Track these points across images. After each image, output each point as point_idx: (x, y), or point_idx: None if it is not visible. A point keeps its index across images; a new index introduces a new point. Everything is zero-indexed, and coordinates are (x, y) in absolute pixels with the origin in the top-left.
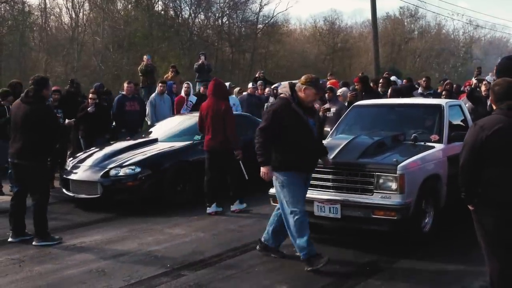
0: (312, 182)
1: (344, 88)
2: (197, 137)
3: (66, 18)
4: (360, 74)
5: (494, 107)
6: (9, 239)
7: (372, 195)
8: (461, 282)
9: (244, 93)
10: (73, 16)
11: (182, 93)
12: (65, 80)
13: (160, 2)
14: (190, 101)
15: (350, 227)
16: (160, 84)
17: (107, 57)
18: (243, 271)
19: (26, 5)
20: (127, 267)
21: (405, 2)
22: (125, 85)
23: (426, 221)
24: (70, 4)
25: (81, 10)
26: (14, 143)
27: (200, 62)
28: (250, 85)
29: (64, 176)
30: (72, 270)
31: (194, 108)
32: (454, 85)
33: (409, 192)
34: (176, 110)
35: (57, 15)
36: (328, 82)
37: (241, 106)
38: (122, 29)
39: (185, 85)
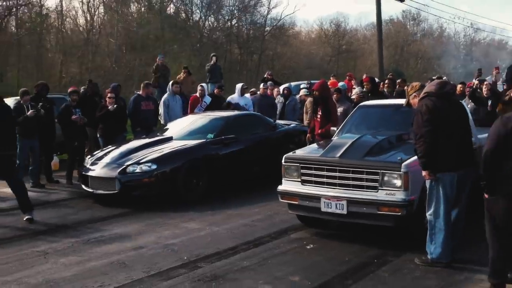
0: (319, 179)
1: (358, 88)
2: (210, 136)
3: (81, 20)
4: (365, 75)
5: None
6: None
7: (377, 192)
8: (464, 273)
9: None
10: (88, 18)
11: (197, 94)
12: (80, 80)
13: (172, 5)
14: (205, 101)
15: (355, 223)
16: (174, 85)
17: (120, 58)
18: (257, 264)
19: (44, 8)
20: (146, 259)
21: (408, 6)
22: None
23: None
24: (86, 7)
25: (96, 13)
26: None
27: (212, 63)
28: (261, 86)
29: (83, 172)
30: (94, 262)
31: (208, 108)
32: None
33: (413, 189)
34: (190, 109)
35: (73, 18)
36: (329, 82)
37: (253, 106)
38: (135, 31)
39: (199, 87)
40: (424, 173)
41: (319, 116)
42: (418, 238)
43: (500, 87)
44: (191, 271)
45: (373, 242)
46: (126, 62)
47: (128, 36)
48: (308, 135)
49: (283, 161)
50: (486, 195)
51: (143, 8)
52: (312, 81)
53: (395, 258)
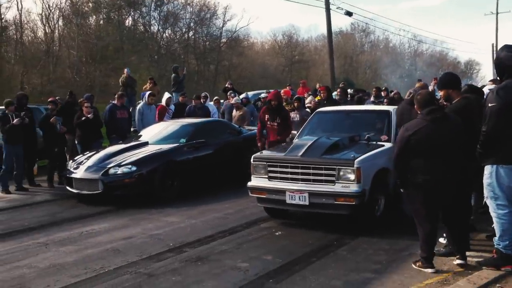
0: (284, 175)
1: (311, 97)
2: (183, 140)
3: (40, 33)
4: (318, 84)
5: (419, 112)
6: None
7: (334, 185)
8: (409, 250)
9: (226, 101)
10: (48, 31)
11: (163, 103)
12: (41, 91)
13: (130, 18)
14: (171, 109)
15: (316, 212)
16: (150, 97)
17: (80, 69)
18: (233, 247)
19: (2, 21)
20: (137, 247)
21: (356, 20)
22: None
23: (378, 206)
24: (45, 20)
25: (56, 26)
26: None
27: (185, 72)
28: (231, 96)
29: (68, 175)
30: (91, 250)
31: (174, 116)
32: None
33: (365, 182)
34: (158, 118)
35: (32, 30)
36: (282, 91)
37: (224, 114)
38: (94, 43)
39: (168, 97)
40: None
41: (276, 124)
42: (370, 225)
43: (438, 95)
44: (178, 254)
45: (332, 229)
46: (87, 73)
47: (88, 48)
48: (259, 144)
49: (252, 160)
50: (401, 190)
51: (101, 21)
52: (271, 90)
53: (351, 241)
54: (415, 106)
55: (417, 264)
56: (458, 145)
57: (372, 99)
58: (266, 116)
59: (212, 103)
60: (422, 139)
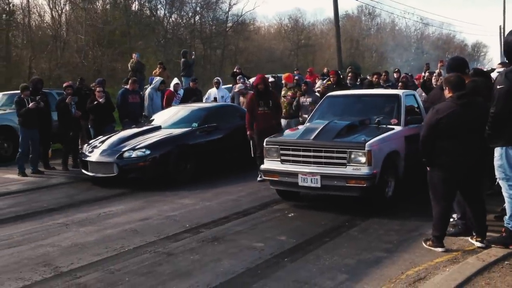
0: (295, 158)
1: (320, 81)
2: (195, 124)
3: (47, 17)
4: (326, 69)
5: (450, 95)
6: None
7: (345, 167)
8: (419, 230)
9: (235, 86)
10: (55, 15)
11: (172, 88)
12: (50, 76)
13: (136, 2)
14: (179, 94)
15: (328, 194)
16: (162, 84)
17: (87, 53)
18: (248, 228)
19: (10, 5)
20: (154, 227)
21: (361, 2)
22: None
23: (388, 188)
24: (52, 4)
25: (63, 11)
26: None
27: (193, 57)
28: (241, 81)
29: (83, 158)
30: (110, 230)
31: (183, 100)
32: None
33: (375, 165)
34: (166, 103)
35: (39, 14)
36: (283, 76)
37: (235, 98)
38: (101, 28)
39: (176, 82)
40: None
41: (268, 109)
42: (380, 207)
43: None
44: (194, 235)
45: (343, 210)
46: (94, 58)
47: (95, 33)
48: (249, 132)
49: (264, 143)
50: (428, 168)
51: (108, 5)
52: (279, 75)
53: (362, 222)
54: (447, 88)
55: (428, 243)
56: (482, 127)
57: (381, 83)
58: (257, 104)
59: (223, 87)
60: (451, 123)
